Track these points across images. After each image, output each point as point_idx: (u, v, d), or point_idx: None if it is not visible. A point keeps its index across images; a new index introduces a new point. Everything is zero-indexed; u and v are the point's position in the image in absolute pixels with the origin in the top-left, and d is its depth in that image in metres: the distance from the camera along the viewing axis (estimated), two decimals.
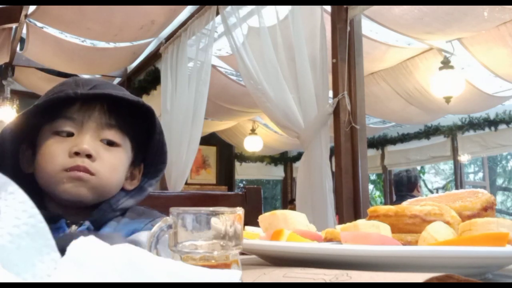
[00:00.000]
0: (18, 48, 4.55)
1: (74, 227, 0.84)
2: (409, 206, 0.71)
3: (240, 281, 0.37)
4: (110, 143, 0.88)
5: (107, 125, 0.87)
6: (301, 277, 0.48)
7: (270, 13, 2.97)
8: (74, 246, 0.36)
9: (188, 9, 3.90)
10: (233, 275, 0.36)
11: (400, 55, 4.12)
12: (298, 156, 7.89)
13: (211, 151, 7.73)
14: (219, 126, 6.56)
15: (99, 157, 0.85)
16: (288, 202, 8.07)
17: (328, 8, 2.80)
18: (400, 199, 3.75)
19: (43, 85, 5.06)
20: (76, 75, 4.60)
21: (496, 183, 11.76)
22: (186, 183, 5.08)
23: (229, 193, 4.20)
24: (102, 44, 4.46)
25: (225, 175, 7.94)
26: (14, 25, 4.00)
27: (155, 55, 4.58)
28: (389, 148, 7.17)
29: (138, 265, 0.35)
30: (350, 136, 2.56)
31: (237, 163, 8.18)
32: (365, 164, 2.60)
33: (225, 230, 0.46)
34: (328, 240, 0.74)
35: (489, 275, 0.64)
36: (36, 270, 0.36)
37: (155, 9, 3.63)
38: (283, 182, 8.95)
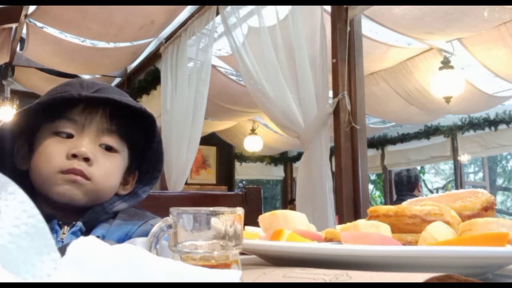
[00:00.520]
0: (18, 48, 4.55)
1: (66, 228, 0.84)
2: (409, 206, 0.71)
3: (240, 281, 0.37)
4: (109, 149, 0.87)
5: (108, 130, 0.87)
6: (301, 277, 0.48)
7: (270, 13, 2.97)
8: (74, 246, 0.36)
9: (188, 9, 3.90)
10: (233, 275, 0.36)
11: (400, 55, 4.12)
12: (298, 156, 7.89)
13: (211, 151, 7.73)
14: (219, 126, 6.56)
15: (96, 161, 0.85)
16: (288, 202, 8.07)
17: (328, 8, 2.80)
18: (401, 199, 3.75)
19: (43, 85, 5.06)
20: (76, 75, 4.60)
21: (496, 183, 11.76)
22: (186, 183, 5.08)
23: (229, 193, 4.20)
24: (102, 44, 4.46)
25: (225, 175, 7.94)
26: (14, 25, 4.00)
27: (155, 55, 4.58)
28: (389, 148, 7.17)
29: (138, 265, 0.35)
30: (350, 136, 2.56)
31: (237, 163, 8.18)
32: (365, 164, 2.60)
33: (225, 230, 0.46)
34: (328, 240, 0.74)
35: (489, 275, 0.64)
36: (36, 270, 0.36)
37: (155, 9, 3.63)
38: (283, 182, 8.95)
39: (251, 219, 0.80)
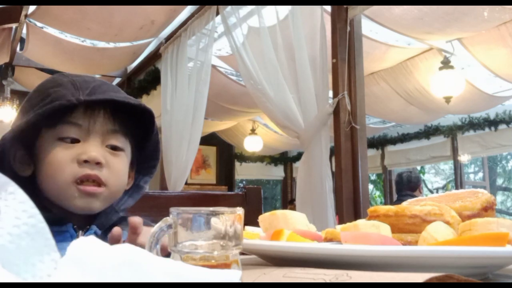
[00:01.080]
0: (18, 48, 4.55)
1: (81, 232, 0.85)
2: (409, 206, 0.71)
3: (240, 281, 0.37)
4: (115, 148, 0.87)
5: (112, 131, 0.87)
6: (301, 277, 0.48)
7: (270, 13, 2.97)
8: (74, 246, 0.36)
9: (188, 9, 3.90)
10: (233, 275, 0.36)
11: (400, 55, 4.12)
12: (298, 156, 7.89)
13: (211, 151, 7.73)
14: (219, 126, 6.56)
15: (107, 164, 0.85)
16: (288, 202, 8.07)
17: (328, 8, 2.80)
18: (401, 199, 3.75)
19: None
20: None
21: (496, 183, 11.76)
22: (186, 183, 5.08)
23: (229, 193, 4.20)
24: (102, 44, 4.47)
25: (225, 175, 7.94)
26: (14, 25, 4.00)
27: (155, 55, 4.58)
28: (389, 148, 7.17)
29: (138, 265, 0.35)
30: (350, 136, 2.56)
31: (237, 163, 8.18)
32: (365, 164, 2.60)
33: (225, 230, 0.46)
34: (328, 240, 0.74)
35: (489, 275, 0.64)
36: (36, 270, 0.36)
37: (155, 9, 3.63)
38: (283, 182, 8.95)
39: (251, 219, 0.80)
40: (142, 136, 0.94)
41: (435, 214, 0.67)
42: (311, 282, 0.45)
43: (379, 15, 3.23)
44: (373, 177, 11.18)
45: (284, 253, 0.64)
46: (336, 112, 2.58)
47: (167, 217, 0.48)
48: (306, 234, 0.74)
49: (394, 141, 6.95)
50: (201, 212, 0.46)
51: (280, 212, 0.80)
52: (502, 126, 5.65)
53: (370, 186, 11.49)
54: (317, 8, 2.68)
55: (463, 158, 6.34)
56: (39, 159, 0.85)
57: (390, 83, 4.54)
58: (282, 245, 0.64)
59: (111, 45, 4.46)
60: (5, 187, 0.39)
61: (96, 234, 0.84)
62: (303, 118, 2.69)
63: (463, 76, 4.14)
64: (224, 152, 7.89)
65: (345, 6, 2.67)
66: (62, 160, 0.82)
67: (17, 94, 5.36)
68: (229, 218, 0.46)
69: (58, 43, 4.27)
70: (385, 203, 7.23)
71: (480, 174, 10.92)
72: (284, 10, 2.94)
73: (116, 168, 0.86)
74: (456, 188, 6.36)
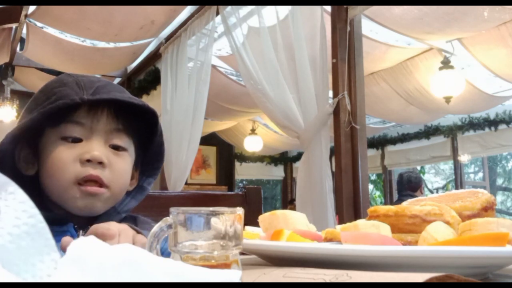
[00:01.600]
0: (18, 48, 4.55)
1: (81, 232, 0.84)
2: (409, 206, 0.71)
3: (240, 281, 0.37)
4: (117, 148, 0.87)
5: (116, 130, 0.86)
6: (301, 277, 0.48)
7: (270, 13, 2.97)
8: (74, 246, 0.36)
9: (188, 9, 3.90)
10: (233, 275, 0.36)
11: (400, 55, 4.12)
12: (298, 156, 7.89)
13: (211, 151, 7.74)
14: (219, 126, 6.57)
15: (109, 164, 0.84)
16: (288, 202, 8.07)
17: (328, 8, 2.80)
18: (401, 199, 3.76)
19: None
20: None
21: (496, 183, 11.76)
22: (186, 183, 5.08)
23: (229, 193, 4.20)
24: (102, 44, 4.47)
25: (225, 175, 7.95)
26: (14, 25, 4.00)
27: (155, 55, 4.58)
28: (389, 148, 7.17)
29: (138, 265, 0.35)
30: (350, 136, 2.56)
31: (237, 163, 8.18)
32: (365, 164, 2.60)
33: (225, 230, 0.46)
34: (328, 240, 0.74)
35: (489, 275, 0.64)
36: (36, 270, 0.36)
37: (155, 9, 3.63)
38: (283, 182, 8.95)
39: (251, 219, 0.80)
40: (146, 137, 0.94)
41: (435, 214, 0.67)
42: (311, 282, 0.45)
43: (379, 15, 3.23)
44: (373, 177, 11.19)
45: (284, 253, 0.64)
46: (336, 112, 2.58)
47: (167, 217, 0.48)
48: (306, 234, 0.74)
49: (394, 141, 6.95)
50: (201, 212, 0.46)
51: (280, 212, 0.80)
52: (502, 126, 5.65)
53: (370, 186, 11.49)
54: (317, 8, 2.68)
55: (463, 158, 6.34)
56: (42, 159, 0.85)
57: (390, 83, 4.54)
58: (282, 245, 0.64)
59: (111, 45, 4.46)
60: (5, 187, 0.39)
61: None
62: (303, 118, 2.69)
63: (463, 76, 4.14)
64: (224, 152, 7.89)
65: (345, 6, 2.67)
66: (65, 159, 0.81)
67: (17, 94, 5.37)
68: (229, 218, 0.46)
69: (58, 43, 4.27)
70: (385, 203, 7.23)
71: (480, 174, 10.92)
72: (284, 10, 2.94)
73: (119, 169, 0.86)
74: (456, 188, 6.36)
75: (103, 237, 0.68)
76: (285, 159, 8.66)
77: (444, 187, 11.66)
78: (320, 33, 2.63)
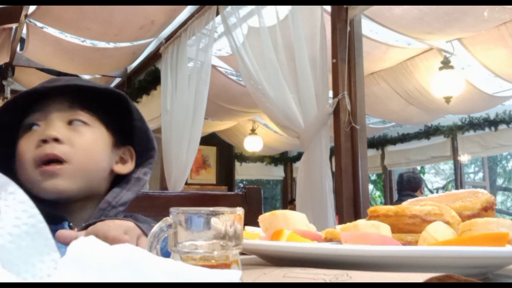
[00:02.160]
0: (18, 48, 4.55)
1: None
2: (409, 206, 0.71)
3: (240, 281, 0.37)
4: (77, 123, 0.85)
5: (70, 108, 0.85)
6: (301, 277, 0.48)
7: (270, 13, 2.97)
8: (74, 246, 0.36)
9: (188, 9, 3.90)
10: (233, 275, 0.36)
11: (400, 55, 4.12)
12: (298, 156, 7.89)
13: (211, 151, 7.73)
14: (219, 126, 6.56)
15: (67, 139, 0.82)
16: (288, 202, 8.07)
17: (328, 8, 2.80)
18: (401, 199, 3.76)
19: None
20: (76, 75, 4.60)
21: (496, 183, 11.76)
22: (186, 183, 5.08)
23: (229, 193, 4.20)
24: (102, 44, 4.46)
25: (225, 175, 7.94)
26: (14, 25, 4.00)
27: (155, 55, 4.58)
28: (389, 148, 7.17)
29: (138, 265, 0.35)
30: (350, 136, 2.56)
31: (237, 163, 8.18)
32: (365, 164, 2.60)
33: (225, 230, 0.46)
34: (328, 240, 0.74)
35: (489, 275, 0.64)
36: (36, 270, 0.36)
37: (155, 9, 3.63)
38: (283, 182, 8.95)
39: (251, 219, 0.80)
40: (126, 122, 0.92)
41: (435, 214, 0.67)
42: (311, 282, 0.45)
43: (379, 15, 3.23)
44: (373, 177, 11.19)
45: (284, 253, 0.64)
46: (336, 112, 2.58)
47: (167, 217, 0.48)
48: (306, 234, 0.74)
49: (394, 141, 6.95)
50: (201, 212, 0.46)
51: (280, 212, 0.80)
52: (502, 126, 5.65)
53: (370, 186, 11.49)
54: (317, 8, 2.68)
55: (463, 158, 6.34)
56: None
57: (390, 83, 4.54)
58: (282, 245, 0.64)
59: (111, 45, 4.46)
60: (5, 187, 0.39)
61: None
62: (303, 118, 2.69)
63: (463, 76, 4.14)
64: (224, 152, 7.89)
65: (345, 6, 2.67)
66: (24, 148, 0.82)
67: None
68: (229, 218, 0.46)
69: (58, 43, 4.27)
70: (385, 203, 7.23)
71: (480, 174, 10.92)
72: (284, 10, 2.94)
73: (80, 141, 0.84)
74: (456, 188, 6.36)
75: (106, 239, 0.67)
76: (285, 159, 8.66)
77: (444, 187, 11.66)
78: (320, 33, 2.63)
